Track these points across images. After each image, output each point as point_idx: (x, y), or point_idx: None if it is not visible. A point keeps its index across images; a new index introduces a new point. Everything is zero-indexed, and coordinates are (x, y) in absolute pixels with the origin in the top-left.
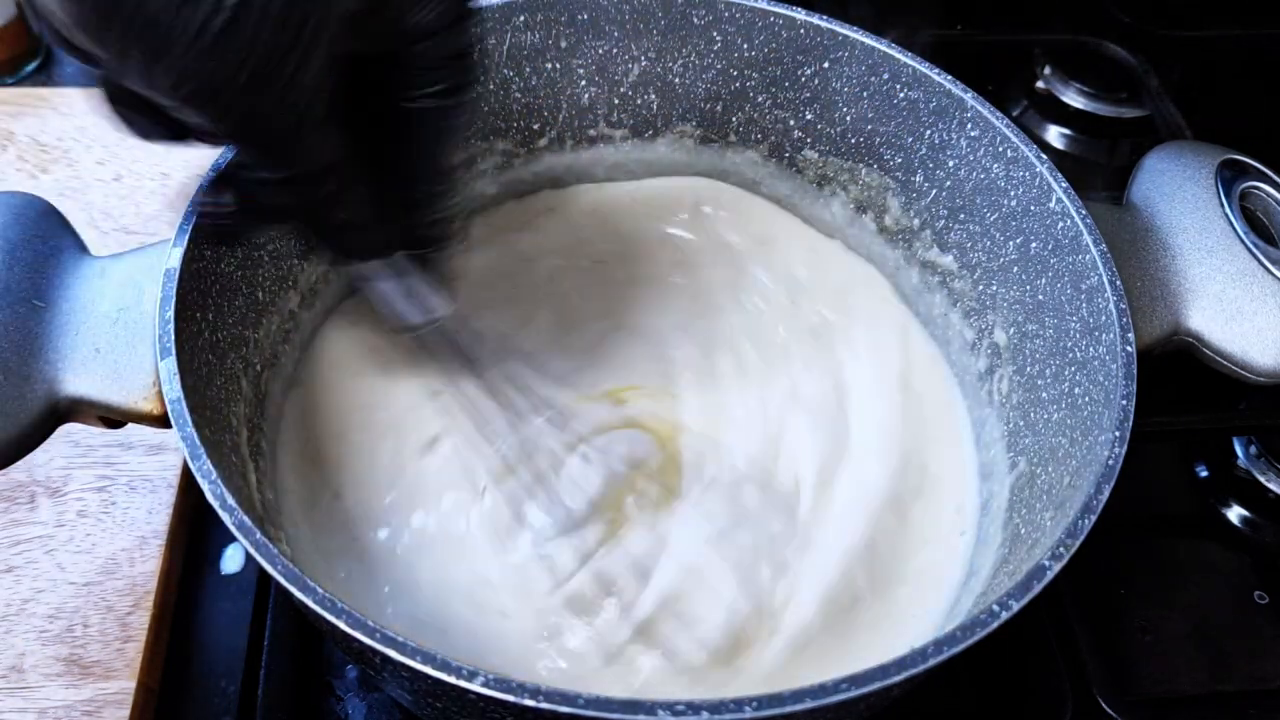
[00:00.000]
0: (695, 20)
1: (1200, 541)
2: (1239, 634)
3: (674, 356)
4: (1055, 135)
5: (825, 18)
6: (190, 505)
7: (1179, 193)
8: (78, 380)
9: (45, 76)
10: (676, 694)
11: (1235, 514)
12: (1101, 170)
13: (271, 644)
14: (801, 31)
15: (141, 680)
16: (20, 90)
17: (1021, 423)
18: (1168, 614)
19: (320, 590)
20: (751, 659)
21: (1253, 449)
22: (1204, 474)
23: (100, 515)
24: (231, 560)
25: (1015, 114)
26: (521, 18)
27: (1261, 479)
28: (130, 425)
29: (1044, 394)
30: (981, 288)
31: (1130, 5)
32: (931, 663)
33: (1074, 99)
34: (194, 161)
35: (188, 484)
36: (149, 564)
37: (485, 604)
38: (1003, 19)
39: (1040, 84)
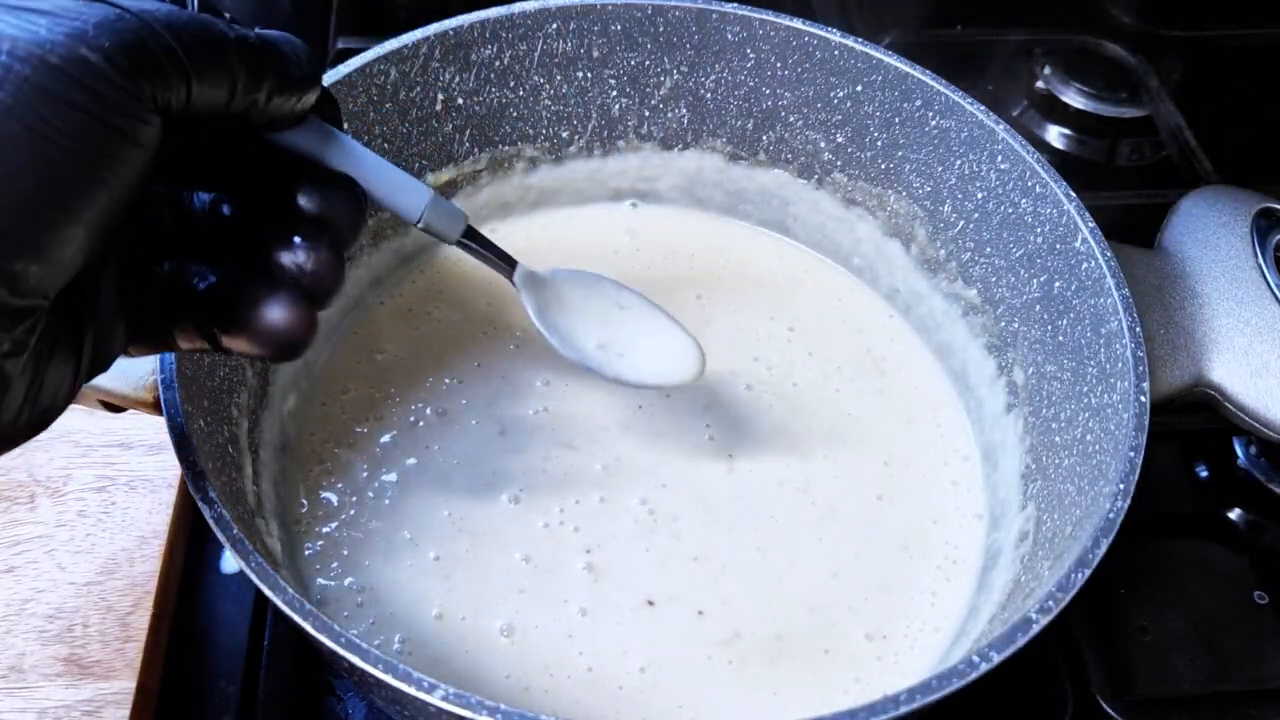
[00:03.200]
0: (729, 36)
1: (1200, 541)
2: (1239, 634)
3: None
4: (1055, 135)
5: (860, 40)
6: (190, 505)
7: (1212, 239)
8: None
9: None
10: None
11: (1235, 514)
12: (1101, 170)
13: (271, 644)
14: (836, 53)
15: (141, 680)
16: None
17: (1033, 466)
18: (1168, 614)
19: (289, 590)
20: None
21: (1253, 449)
22: (1204, 474)
23: (100, 515)
24: (232, 560)
25: (1015, 114)
26: (554, 25)
27: (1262, 479)
28: (130, 425)
29: (1057, 438)
30: (1004, 324)
31: (1130, 5)
32: (904, 710)
33: (1074, 99)
34: None
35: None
36: (149, 564)
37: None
38: (1003, 19)
39: (1040, 84)
